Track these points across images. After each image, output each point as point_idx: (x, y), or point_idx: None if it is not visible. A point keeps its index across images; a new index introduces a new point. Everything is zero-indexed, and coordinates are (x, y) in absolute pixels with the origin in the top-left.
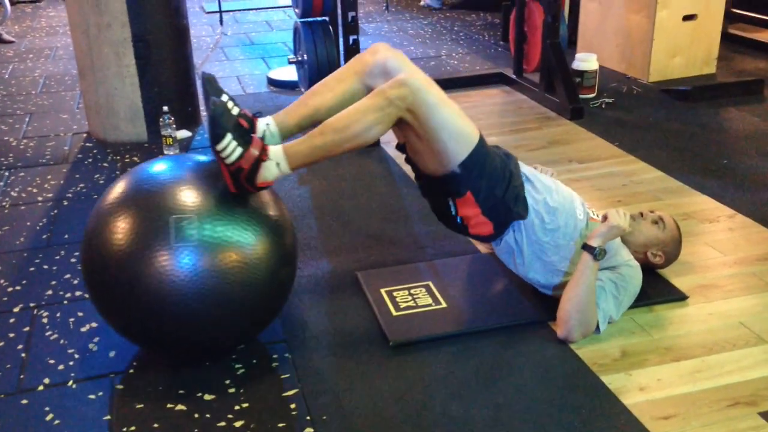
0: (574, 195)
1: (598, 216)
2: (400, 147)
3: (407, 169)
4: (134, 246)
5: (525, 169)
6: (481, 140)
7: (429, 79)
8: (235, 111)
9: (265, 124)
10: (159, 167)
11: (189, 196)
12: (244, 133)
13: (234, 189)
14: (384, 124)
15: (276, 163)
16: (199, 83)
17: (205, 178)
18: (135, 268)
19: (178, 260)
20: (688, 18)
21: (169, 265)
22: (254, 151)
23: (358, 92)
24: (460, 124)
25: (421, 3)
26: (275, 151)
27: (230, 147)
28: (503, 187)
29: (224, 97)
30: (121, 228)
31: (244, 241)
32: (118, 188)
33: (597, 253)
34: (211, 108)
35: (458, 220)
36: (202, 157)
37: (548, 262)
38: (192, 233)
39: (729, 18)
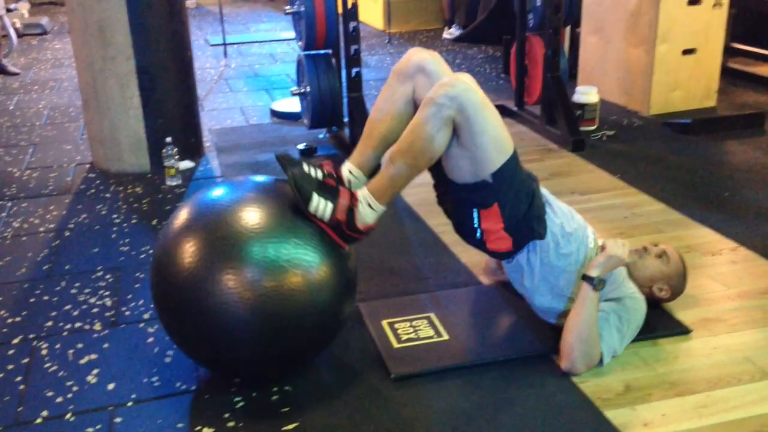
0: (587, 224)
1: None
2: None
3: (410, 199)
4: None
5: (544, 192)
6: (515, 152)
7: (472, 79)
8: (319, 175)
9: (348, 171)
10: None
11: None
12: (330, 189)
13: (343, 243)
14: (444, 129)
15: (368, 204)
16: (202, 115)
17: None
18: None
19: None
20: (687, 52)
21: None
22: (343, 202)
23: (409, 101)
24: (501, 130)
25: (444, 36)
26: (362, 194)
27: (321, 205)
28: (527, 204)
29: (304, 166)
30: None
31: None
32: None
33: (596, 283)
34: (290, 179)
35: (478, 233)
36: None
37: (556, 286)
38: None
39: (728, 52)
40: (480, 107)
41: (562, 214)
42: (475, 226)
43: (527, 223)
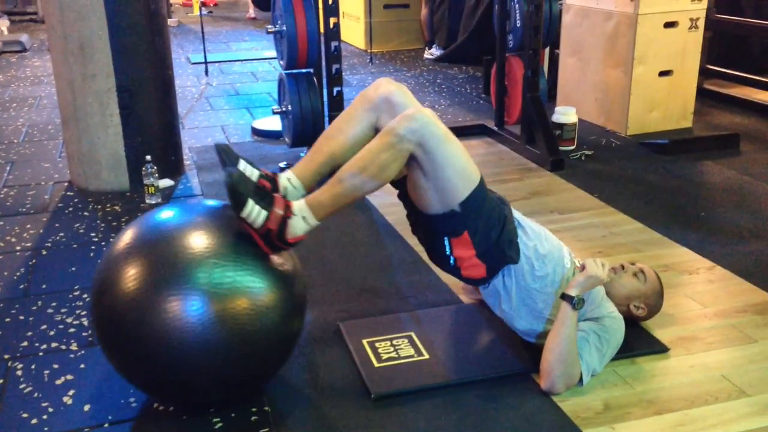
0: (562, 244)
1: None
2: (395, 182)
3: (391, 218)
4: (144, 293)
5: (517, 215)
6: (482, 181)
7: (434, 113)
8: (255, 175)
9: (287, 179)
10: (168, 214)
11: (199, 242)
12: (266, 195)
13: (269, 250)
14: (399, 161)
15: (302, 218)
16: (183, 133)
17: (216, 224)
18: (143, 315)
19: (188, 307)
20: (664, 74)
21: (177, 312)
22: (278, 211)
23: (367, 128)
24: (465, 161)
25: (425, 56)
26: (299, 206)
27: (254, 212)
28: (498, 230)
29: (241, 164)
30: (131, 275)
31: (254, 288)
32: (128, 235)
33: (575, 303)
34: (227, 180)
35: (451, 261)
36: (212, 203)
37: (534, 308)
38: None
39: (704, 74)
40: (442, 140)
41: (535, 236)
42: (448, 253)
43: (499, 248)
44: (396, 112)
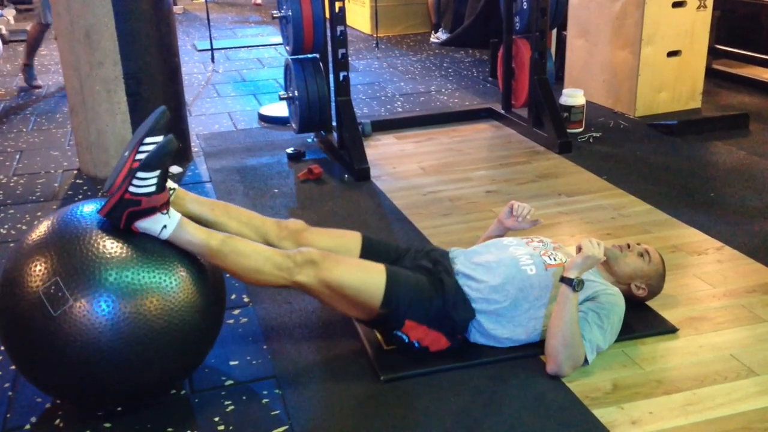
0: (519, 252)
1: (558, 260)
2: None
3: (399, 203)
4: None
5: (459, 262)
6: (390, 276)
7: (324, 255)
8: (176, 170)
9: (171, 189)
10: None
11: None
12: (165, 180)
13: (105, 214)
14: (272, 279)
15: (164, 225)
16: (190, 120)
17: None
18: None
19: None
20: (672, 54)
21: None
22: (161, 200)
23: (265, 235)
24: (362, 276)
25: (432, 40)
26: (174, 215)
27: (149, 181)
28: (438, 299)
29: (170, 165)
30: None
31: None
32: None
33: (575, 284)
34: (168, 140)
35: (416, 345)
36: None
37: (522, 324)
38: (67, 296)
39: (713, 54)
40: (331, 279)
41: (484, 273)
42: (407, 341)
43: (446, 314)
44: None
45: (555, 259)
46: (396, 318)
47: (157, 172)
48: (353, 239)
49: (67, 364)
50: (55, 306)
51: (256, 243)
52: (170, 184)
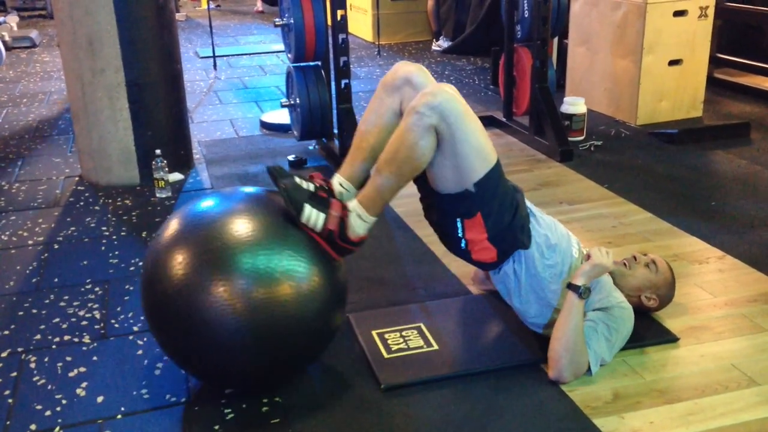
0: (571, 234)
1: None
2: None
3: (400, 210)
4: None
5: (529, 204)
6: (498, 163)
7: (455, 90)
8: (311, 187)
9: (338, 183)
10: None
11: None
12: (322, 200)
13: (336, 254)
14: (426, 138)
15: (358, 216)
16: (192, 127)
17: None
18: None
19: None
20: (673, 63)
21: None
22: (335, 213)
23: (396, 114)
24: (483, 140)
25: (433, 47)
26: (352, 205)
27: (312, 216)
28: (511, 214)
29: (296, 178)
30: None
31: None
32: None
33: (582, 292)
34: (280, 191)
35: (462, 244)
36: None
37: (542, 297)
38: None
39: (714, 62)
40: (462, 116)
41: (546, 226)
42: (460, 235)
43: (511, 232)
44: (417, 91)
45: (585, 253)
46: (475, 204)
47: (307, 207)
48: None
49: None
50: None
51: (390, 140)
52: (336, 182)
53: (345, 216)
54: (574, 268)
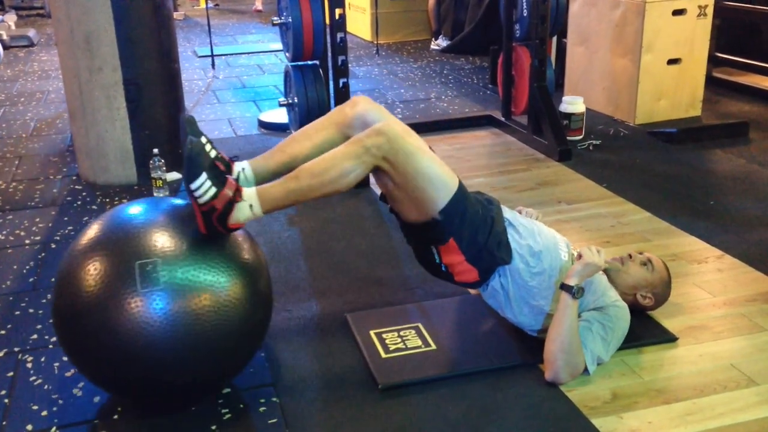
0: (558, 236)
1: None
2: (383, 197)
3: None
4: (105, 291)
5: (507, 214)
6: (461, 187)
7: (407, 128)
8: (213, 153)
9: (241, 168)
10: (133, 210)
11: (162, 240)
12: (219, 174)
13: (204, 229)
14: (359, 171)
15: (249, 205)
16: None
17: (179, 221)
18: (105, 313)
19: (150, 305)
20: (672, 62)
21: (140, 309)
22: (228, 192)
23: (336, 143)
24: (439, 171)
25: (432, 46)
26: (249, 193)
27: (204, 186)
28: (486, 233)
29: (203, 139)
30: (92, 273)
31: (217, 284)
32: (91, 232)
33: (575, 292)
34: (188, 147)
35: (443, 268)
36: (177, 201)
37: (535, 306)
38: (159, 277)
39: (713, 62)
40: (411, 153)
41: (528, 234)
42: (438, 261)
43: (488, 251)
44: (369, 126)
45: (576, 253)
46: (446, 231)
47: (203, 176)
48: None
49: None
50: (144, 283)
51: (324, 155)
52: (239, 166)
53: (237, 200)
54: (564, 270)
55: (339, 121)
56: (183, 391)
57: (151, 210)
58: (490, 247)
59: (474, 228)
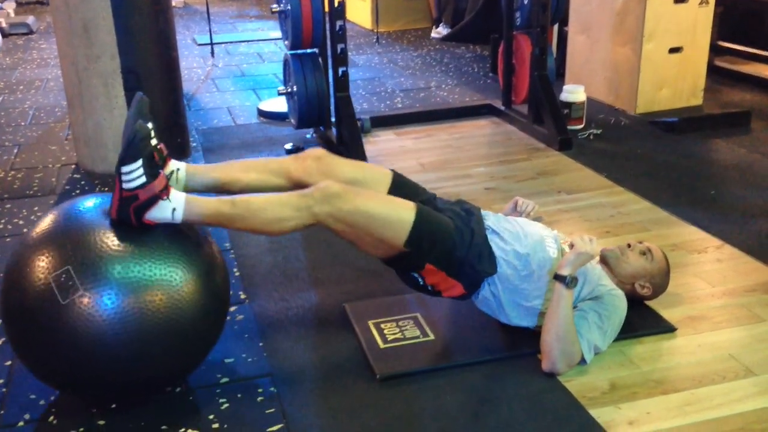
0: (545, 232)
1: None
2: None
3: None
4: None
5: (490, 220)
6: (420, 212)
7: (341, 185)
8: (154, 142)
9: (176, 168)
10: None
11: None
12: (154, 166)
13: (116, 215)
14: (294, 223)
15: (173, 208)
16: (189, 115)
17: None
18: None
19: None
20: (674, 51)
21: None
22: (157, 186)
23: (282, 189)
24: (388, 211)
25: (432, 35)
26: (178, 196)
27: (136, 173)
28: (464, 247)
29: (149, 125)
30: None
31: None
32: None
33: (568, 282)
34: (135, 129)
35: (429, 288)
36: None
37: (528, 307)
38: (77, 284)
39: (715, 50)
40: (355, 209)
41: (513, 238)
42: (422, 283)
43: (470, 265)
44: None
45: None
46: (418, 259)
47: (139, 162)
48: (382, 173)
49: (70, 356)
50: (64, 294)
51: (268, 194)
52: (174, 165)
53: (161, 197)
54: (555, 267)
55: (293, 169)
56: (135, 388)
57: (105, 204)
58: (470, 261)
59: (449, 245)
